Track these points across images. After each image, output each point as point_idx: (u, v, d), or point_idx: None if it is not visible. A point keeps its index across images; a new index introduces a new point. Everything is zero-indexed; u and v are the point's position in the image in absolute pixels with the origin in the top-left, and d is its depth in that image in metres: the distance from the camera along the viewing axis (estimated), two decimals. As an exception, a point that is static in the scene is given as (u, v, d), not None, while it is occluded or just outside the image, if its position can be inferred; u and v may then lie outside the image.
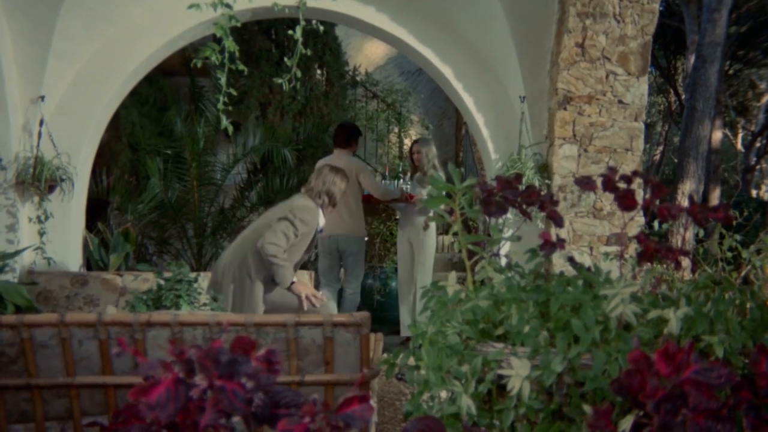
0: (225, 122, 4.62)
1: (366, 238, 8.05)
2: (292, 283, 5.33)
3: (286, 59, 4.05)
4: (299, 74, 4.02)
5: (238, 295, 5.46)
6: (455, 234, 2.10)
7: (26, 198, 6.90)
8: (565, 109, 6.65)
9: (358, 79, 13.93)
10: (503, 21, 6.90)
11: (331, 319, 2.52)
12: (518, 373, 1.72)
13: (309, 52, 4.27)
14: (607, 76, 6.65)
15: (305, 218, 5.44)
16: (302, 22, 3.67)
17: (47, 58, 6.74)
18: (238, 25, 3.84)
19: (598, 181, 2.06)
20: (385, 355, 2.61)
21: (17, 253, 6.70)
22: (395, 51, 13.71)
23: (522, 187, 2.09)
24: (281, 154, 10.05)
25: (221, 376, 1.05)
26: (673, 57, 17.25)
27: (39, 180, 6.70)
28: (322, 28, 5.70)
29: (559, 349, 1.76)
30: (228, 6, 4.71)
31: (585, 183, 2.08)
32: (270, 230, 5.30)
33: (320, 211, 5.65)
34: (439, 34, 7.46)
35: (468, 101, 7.48)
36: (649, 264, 2.08)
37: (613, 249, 6.42)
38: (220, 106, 4.21)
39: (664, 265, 2.15)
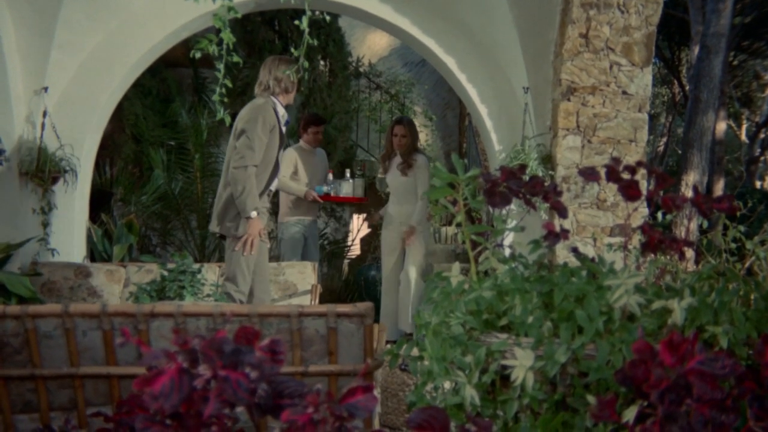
0: (222, 113, 4.61)
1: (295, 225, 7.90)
2: (250, 216, 5.17)
3: (293, 50, 4.04)
4: (306, 65, 4.02)
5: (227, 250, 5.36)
6: (459, 225, 2.11)
7: (30, 189, 6.91)
8: (568, 100, 6.64)
9: (361, 70, 13.92)
10: (507, 11, 6.89)
11: (334, 309, 2.53)
12: (522, 364, 1.72)
13: (315, 42, 4.27)
14: (611, 67, 6.63)
15: (260, 116, 5.26)
16: (308, 12, 3.66)
17: (50, 49, 6.74)
18: (238, 16, 3.83)
19: (602, 172, 2.06)
20: (388, 346, 2.61)
21: (21, 244, 6.71)
22: (399, 42, 13.69)
23: (526, 178, 2.09)
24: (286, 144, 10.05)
25: (225, 366, 1.05)
26: (677, 48, 17.21)
27: (42, 171, 6.71)
28: (328, 18, 5.69)
29: (562, 339, 1.76)
30: (228, -3, 4.70)
31: (589, 174, 2.08)
32: (235, 155, 5.17)
33: (277, 102, 5.45)
34: (443, 25, 7.45)
35: (471, 92, 7.47)
36: (652, 255, 2.07)
37: (617, 240, 6.42)
38: (216, 97, 4.21)
39: (668, 256, 2.15)
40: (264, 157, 5.30)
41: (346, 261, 11.65)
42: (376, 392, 1.37)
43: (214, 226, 5.41)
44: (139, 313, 2.50)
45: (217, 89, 3.93)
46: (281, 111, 5.47)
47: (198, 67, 11.22)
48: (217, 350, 1.05)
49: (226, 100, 4.36)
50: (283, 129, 5.50)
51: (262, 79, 5.50)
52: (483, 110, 7.46)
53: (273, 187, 5.49)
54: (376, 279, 9.40)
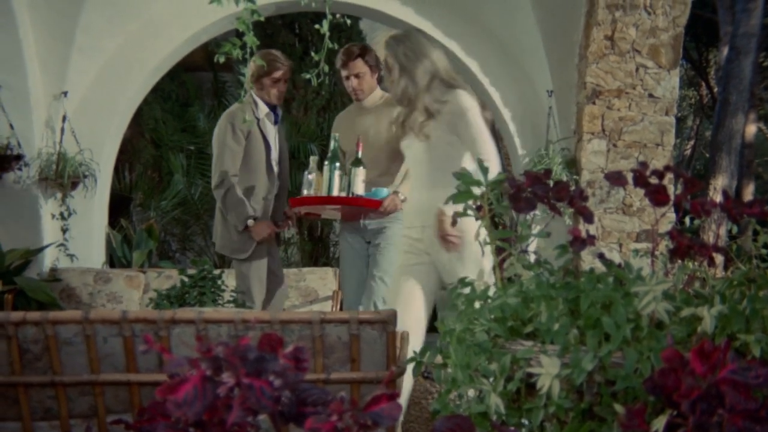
0: (246, 118, 4.63)
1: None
2: (248, 225, 5.11)
3: (313, 54, 4.05)
4: (327, 69, 4.02)
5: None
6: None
7: (49, 195, 6.97)
8: (593, 103, 6.62)
9: (382, 73, 13.93)
10: (530, 14, 6.87)
11: (357, 316, 2.53)
12: (548, 372, 1.71)
13: (335, 46, 4.28)
14: (637, 70, 6.61)
15: (227, 125, 5.17)
16: (329, 16, 3.67)
17: (70, 54, 6.80)
18: (261, 19, 3.85)
19: (629, 177, 2.05)
20: (411, 353, 2.62)
21: (40, 249, 6.78)
22: (420, 45, 13.70)
23: (551, 183, 2.09)
24: (306, 149, 10.05)
25: (249, 373, 1.06)
26: (704, 49, 17.10)
27: (62, 176, 6.76)
28: (349, 21, 5.68)
29: (589, 347, 1.75)
30: (250, 0, 4.72)
31: (616, 178, 2.07)
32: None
33: (258, 100, 5.25)
34: (465, 27, 7.45)
35: (494, 96, 7.46)
36: (681, 261, 2.06)
37: (643, 246, 6.38)
38: (241, 101, 4.23)
39: (697, 263, 2.14)
40: (246, 164, 5.19)
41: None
42: (400, 400, 1.37)
43: (217, 247, 5.42)
44: (160, 319, 2.52)
45: (241, 93, 3.95)
46: (262, 109, 5.27)
47: (218, 71, 11.27)
48: (240, 357, 1.06)
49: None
50: (267, 128, 5.29)
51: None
52: (506, 114, 7.45)
53: (274, 191, 5.32)
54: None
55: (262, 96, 5.25)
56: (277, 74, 5.18)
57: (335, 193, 4.66)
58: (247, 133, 5.17)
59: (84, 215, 7.10)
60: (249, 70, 4.39)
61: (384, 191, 4.70)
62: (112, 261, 7.82)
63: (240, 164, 5.17)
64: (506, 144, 7.95)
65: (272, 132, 5.33)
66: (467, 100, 3.96)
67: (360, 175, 4.66)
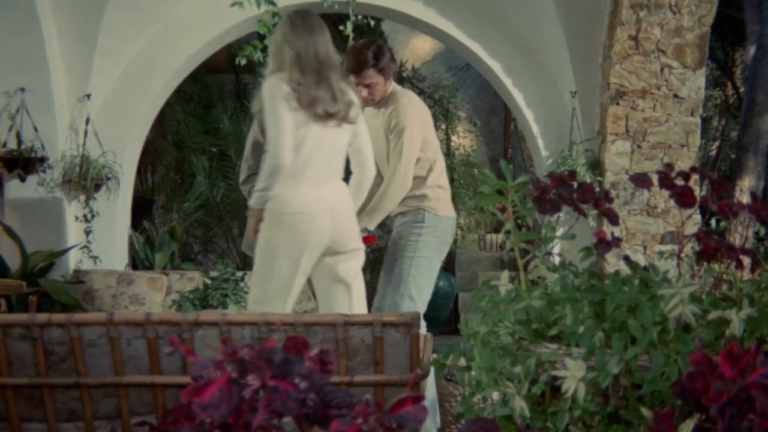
0: None
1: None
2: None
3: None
4: (351, 71, 4.01)
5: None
6: (507, 232, 2.10)
7: (72, 197, 7.03)
8: (617, 104, 6.59)
9: (404, 74, 13.92)
10: (554, 14, 6.85)
11: (380, 318, 2.53)
12: (573, 375, 1.71)
13: (359, 48, 4.27)
14: (661, 70, 6.57)
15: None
16: (352, 17, 3.69)
17: (93, 56, 6.85)
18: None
19: (655, 178, 2.04)
20: (434, 356, 2.61)
21: (64, 252, 6.84)
22: (442, 46, 13.65)
23: (575, 185, 2.08)
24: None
25: (274, 376, 1.06)
26: (730, 48, 16.96)
27: (85, 179, 6.82)
28: (372, 22, 5.65)
29: (615, 350, 1.74)
30: (272, 3, 4.75)
31: (641, 180, 2.06)
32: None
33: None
34: (488, 28, 7.43)
35: (517, 97, 7.44)
36: (707, 263, 2.05)
37: (668, 248, 6.35)
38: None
39: (723, 265, 2.12)
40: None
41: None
42: (426, 403, 1.38)
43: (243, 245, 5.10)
44: (184, 321, 2.53)
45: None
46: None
47: (240, 73, 11.32)
48: (266, 360, 1.06)
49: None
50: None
51: None
52: (529, 115, 7.43)
53: None
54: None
55: None
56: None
57: None
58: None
59: (107, 217, 7.16)
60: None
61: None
62: (135, 263, 7.88)
63: None
64: (529, 145, 7.94)
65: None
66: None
67: None
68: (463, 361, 2.07)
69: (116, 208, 7.24)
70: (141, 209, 9.04)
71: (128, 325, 2.61)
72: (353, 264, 3.90)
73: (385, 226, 12.49)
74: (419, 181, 4.50)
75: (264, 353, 1.07)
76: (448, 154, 13.84)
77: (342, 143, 3.84)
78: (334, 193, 3.80)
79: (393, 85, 4.58)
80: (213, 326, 2.53)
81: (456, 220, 4.58)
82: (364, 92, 4.46)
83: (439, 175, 4.56)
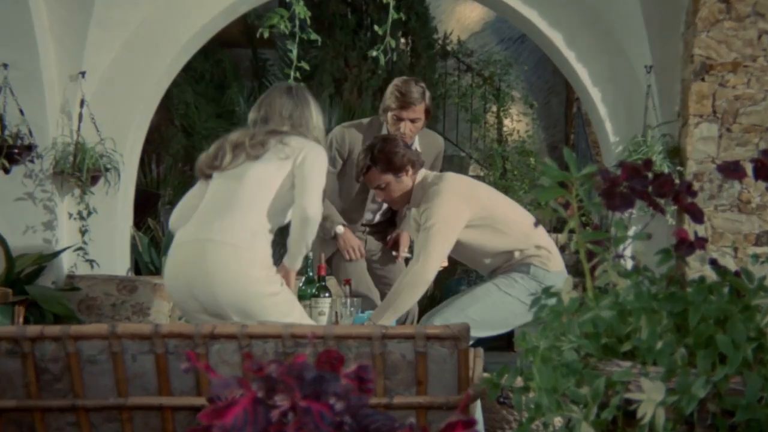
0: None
1: None
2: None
3: (376, 28, 4.08)
4: (393, 44, 4.06)
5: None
6: (571, 231, 2.09)
7: (66, 191, 7.06)
8: (702, 79, 6.54)
9: (449, 48, 13.92)
10: (626, -25, 6.81)
11: (424, 331, 2.55)
12: (650, 398, 1.71)
13: (402, 17, 4.32)
14: (759, 38, 6.48)
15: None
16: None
17: (88, 28, 6.86)
18: (312, -14, 3.89)
19: (748, 168, 2.03)
20: (485, 375, 2.62)
21: (56, 254, 6.89)
22: (493, 14, 13.63)
23: (651, 176, 2.08)
24: (362, 138, 10.10)
25: (306, 395, 1.08)
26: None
27: (80, 170, 6.84)
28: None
29: (700, 370, 1.74)
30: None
31: (731, 170, 2.05)
32: None
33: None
34: (547, -8, 7.41)
35: (581, 73, 7.40)
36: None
37: (764, 250, 6.29)
38: (290, 82, 4.27)
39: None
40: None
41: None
42: (479, 428, 1.38)
43: None
44: (197, 334, 2.56)
45: (291, 72, 4.00)
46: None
47: (258, 48, 11.36)
48: (297, 377, 1.08)
49: (302, 85, 4.40)
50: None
51: None
52: (595, 94, 7.39)
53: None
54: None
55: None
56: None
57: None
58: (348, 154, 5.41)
59: (105, 215, 7.19)
60: None
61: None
62: (138, 267, 7.93)
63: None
64: (595, 130, 7.90)
65: None
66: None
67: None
68: (519, 381, 2.08)
69: (116, 203, 7.28)
70: (145, 205, 9.11)
71: (134, 339, 2.64)
72: None
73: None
74: (502, 256, 4.71)
75: (294, 370, 1.09)
76: (500, 140, 13.83)
77: None
78: None
79: (422, 175, 4.80)
80: (231, 340, 2.56)
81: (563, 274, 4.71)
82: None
83: (527, 236, 4.71)
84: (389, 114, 5.20)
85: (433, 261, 4.49)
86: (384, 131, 5.33)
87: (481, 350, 3.15)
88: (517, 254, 4.65)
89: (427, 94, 5.26)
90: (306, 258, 4.72)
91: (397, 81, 5.29)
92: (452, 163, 12.64)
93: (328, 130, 5.13)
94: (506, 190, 12.61)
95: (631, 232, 2.17)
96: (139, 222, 8.37)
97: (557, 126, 15.73)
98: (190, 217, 4.21)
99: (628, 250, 2.55)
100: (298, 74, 4.31)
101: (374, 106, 10.65)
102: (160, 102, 7.87)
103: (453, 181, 4.73)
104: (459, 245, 4.58)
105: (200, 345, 2.59)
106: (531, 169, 13.31)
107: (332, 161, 5.25)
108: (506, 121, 14.17)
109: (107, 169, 7.00)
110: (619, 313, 1.95)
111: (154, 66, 7.32)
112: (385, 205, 5.48)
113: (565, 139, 15.30)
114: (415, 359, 2.58)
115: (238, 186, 4.07)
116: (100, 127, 7.02)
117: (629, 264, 2.20)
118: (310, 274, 4.76)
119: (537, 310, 2.13)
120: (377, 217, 5.64)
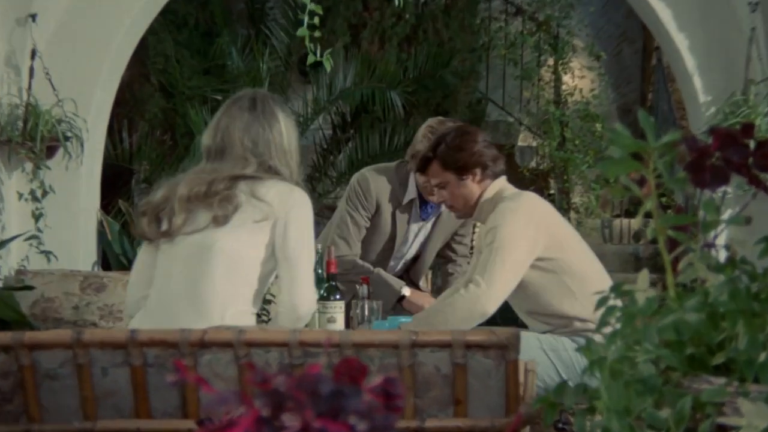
0: (315, 56, 4.68)
1: None
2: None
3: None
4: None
5: None
6: (647, 215, 2.08)
7: (14, 165, 7.07)
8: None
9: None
10: None
11: (463, 337, 2.56)
12: (751, 424, 1.72)
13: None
14: None
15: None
16: None
17: (39, -44, 6.87)
18: None
19: None
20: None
21: (1, 245, 6.90)
22: (550, -59, 13.60)
23: (752, 144, 2.08)
24: (384, 99, 10.08)
25: (321, 413, 1.10)
26: None
27: (32, 139, 6.83)
28: None
29: (814, 387, 1.75)
30: None
31: None
32: None
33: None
34: None
35: (663, 14, 7.36)
36: None
37: None
38: (303, 31, 4.27)
39: None
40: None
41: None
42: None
43: None
44: (184, 342, 2.57)
45: (305, 19, 4.01)
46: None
47: (254, -12, 11.36)
48: (310, 392, 1.09)
49: (317, 34, 4.37)
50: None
51: None
52: (681, 42, 7.35)
53: None
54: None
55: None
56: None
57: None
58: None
59: (65, 195, 7.20)
60: None
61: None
62: (107, 260, 7.96)
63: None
64: (680, 86, 7.87)
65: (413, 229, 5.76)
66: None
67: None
68: (584, 400, 2.09)
69: (79, 181, 7.30)
70: (115, 183, 9.13)
71: (104, 348, 2.66)
72: None
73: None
74: (559, 320, 4.72)
75: (306, 383, 1.11)
76: (557, 102, 13.77)
77: None
78: None
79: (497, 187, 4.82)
80: (225, 349, 2.57)
81: None
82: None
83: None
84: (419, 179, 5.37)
85: (497, 290, 4.46)
86: (411, 183, 5.54)
87: (534, 362, 3.16)
88: (578, 324, 4.62)
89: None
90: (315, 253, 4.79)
91: (431, 121, 5.52)
92: (497, 130, 12.63)
93: (342, 92, 5.19)
94: (565, 164, 12.58)
95: (725, 215, 2.17)
96: (107, 204, 8.40)
97: (631, 83, 15.66)
98: (146, 298, 3.94)
99: (720, 237, 2.57)
100: (315, 20, 4.29)
101: (401, 60, 10.64)
102: (133, 54, 7.87)
103: (532, 203, 4.75)
104: None
105: (187, 355, 2.60)
106: (597, 138, 13.24)
107: (354, 209, 5.56)
108: (566, 78, 14.09)
109: (67, 138, 7.00)
110: (710, 316, 1.96)
111: (125, 8, 7.32)
112: (411, 253, 5.83)
113: (641, 100, 15.23)
114: (452, 373, 2.59)
115: (205, 266, 3.80)
116: (57, 84, 7.01)
117: (722, 255, 2.21)
118: (319, 271, 4.73)
119: (604, 314, 2.14)
120: (400, 265, 5.92)
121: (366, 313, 4.55)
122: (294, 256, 3.83)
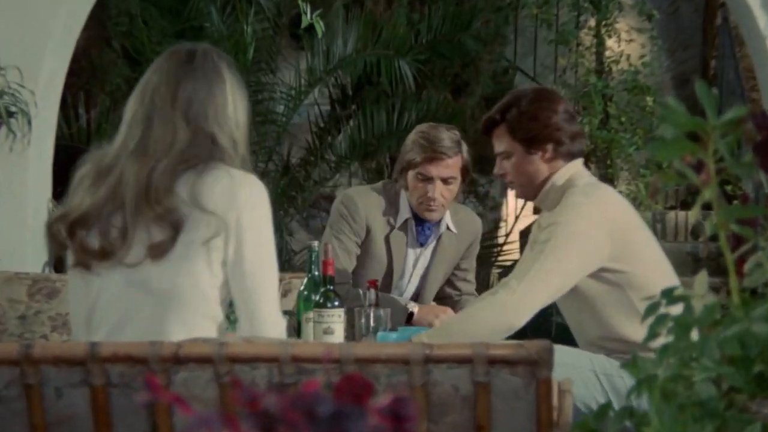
0: (308, 17, 4.70)
1: None
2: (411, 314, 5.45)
3: None
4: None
5: None
6: (706, 207, 2.07)
7: (-54, 146, 7.11)
8: None
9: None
10: None
11: (485, 351, 2.56)
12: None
13: None
14: None
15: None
16: None
17: None
18: None
19: None
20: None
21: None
22: None
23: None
24: (391, 68, 10.06)
25: (319, 439, 1.11)
26: None
27: (-32, 115, 6.88)
28: None
29: None
30: None
31: None
32: None
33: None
34: None
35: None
36: None
37: None
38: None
39: None
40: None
41: (495, 270, 11.58)
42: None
43: None
44: (154, 356, 2.58)
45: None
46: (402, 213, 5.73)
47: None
48: (305, 413, 1.11)
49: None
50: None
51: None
52: (754, -1, 7.36)
53: None
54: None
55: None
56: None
57: None
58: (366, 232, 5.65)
59: (10, 182, 7.23)
60: None
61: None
62: (60, 260, 7.98)
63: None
64: (751, 52, 7.89)
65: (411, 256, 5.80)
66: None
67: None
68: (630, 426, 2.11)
69: (26, 165, 7.32)
70: (69, 167, 9.14)
71: (58, 365, 2.67)
72: None
73: (488, 197, 12.51)
74: (620, 344, 4.63)
75: (302, 402, 1.12)
76: (600, 71, 13.73)
77: None
78: None
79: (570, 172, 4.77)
80: (204, 364, 2.58)
81: None
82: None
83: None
84: (410, 173, 5.42)
85: (531, 300, 4.45)
86: (404, 203, 5.59)
87: (569, 381, 3.16)
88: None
89: (464, 145, 5.51)
90: (309, 251, 4.80)
91: (421, 126, 5.65)
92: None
93: (342, 60, 5.18)
94: (609, 146, 12.54)
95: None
96: (60, 192, 8.42)
97: (690, 48, 15.63)
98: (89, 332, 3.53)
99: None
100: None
101: (412, 22, 10.63)
102: (91, 13, 7.88)
103: (607, 200, 4.68)
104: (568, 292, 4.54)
105: (158, 373, 2.61)
106: (647, 114, 13.18)
107: (341, 232, 5.61)
108: (610, 42, 14.02)
109: (11, 114, 7.03)
110: (780, 327, 1.98)
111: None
112: (411, 290, 5.88)
113: (702, 68, 15.21)
114: (473, 393, 2.60)
115: (158, 324, 3.44)
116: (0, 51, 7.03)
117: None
118: (315, 273, 4.73)
119: (654, 323, 2.15)
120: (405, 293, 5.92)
121: (372, 323, 4.53)
122: (252, 275, 3.56)
